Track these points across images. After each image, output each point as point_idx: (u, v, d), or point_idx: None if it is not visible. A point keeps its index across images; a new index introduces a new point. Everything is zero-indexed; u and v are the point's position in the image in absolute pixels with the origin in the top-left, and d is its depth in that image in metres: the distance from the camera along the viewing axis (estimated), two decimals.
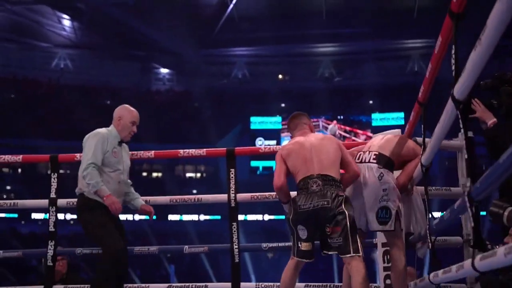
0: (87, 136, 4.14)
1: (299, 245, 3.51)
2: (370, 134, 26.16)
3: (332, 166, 3.55)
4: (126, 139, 4.27)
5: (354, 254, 3.41)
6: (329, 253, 3.49)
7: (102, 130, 4.16)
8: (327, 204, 3.42)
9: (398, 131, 4.20)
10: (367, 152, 3.75)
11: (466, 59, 1.79)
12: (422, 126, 3.09)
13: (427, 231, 3.18)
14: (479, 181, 1.89)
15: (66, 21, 28.71)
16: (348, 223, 3.41)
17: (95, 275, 3.93)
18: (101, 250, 4.04)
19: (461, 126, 1.98)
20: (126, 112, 4.25)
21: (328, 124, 28.58)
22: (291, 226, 3.56)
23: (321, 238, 3.52)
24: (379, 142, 3.83)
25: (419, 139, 4.02)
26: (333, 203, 3.42)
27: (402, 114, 27.19)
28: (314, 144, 3.63)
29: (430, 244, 3.11)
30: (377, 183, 3.60)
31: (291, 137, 3.89)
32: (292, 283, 3.64)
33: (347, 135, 28.38)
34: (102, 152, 4.03)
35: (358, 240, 3.45)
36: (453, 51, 1.96)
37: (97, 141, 4.04)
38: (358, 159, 3.73)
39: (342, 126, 28.91)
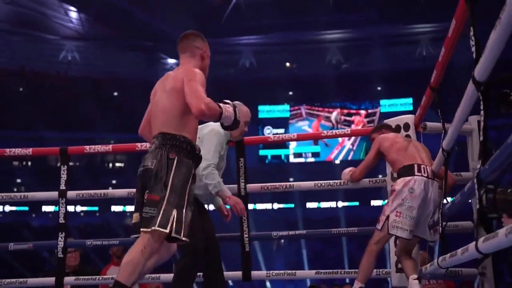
0: (208, 129, 3.85)
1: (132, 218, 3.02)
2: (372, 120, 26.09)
3: (174, 118, 2.97)
4: (237, 139, 4.16)
5: (153, 228, 2.78)
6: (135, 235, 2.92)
7: (219, 127, 3.43)
8: (150, 165, 2.88)
9: (411, 116, 4.19)
10: (425, 166, 3.78)
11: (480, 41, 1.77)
12: (439, 111, 3.05)
13: (440, 216, 3.16)
14: (487, 163, 1.88)
15: (73, 13, 28.72)
16: (169, 187, 2.82)
17: (176, 270, 3.79)
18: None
19: (481, 108, 1.94)
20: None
21: (330, 113, 28.48)
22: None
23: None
24: (425, 154, 3.89)
25: (430, 124, 4.01)
26: (158, 165, 2.86)
27: (410, 100, 27.08)
28: (159, 98, 3.11)
29: (440, 228, 3.09)
30: (438, 201, 3.70)
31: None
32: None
33: (350, 122, 28.28)
34: (219, 154, 3.87)
35: (173, 216, 2.80)
36: (471, 33, 1.92)
37: (217, 142, 3.82)
38: (419, 171, 3.74)
39: (346, 112, 28.78)
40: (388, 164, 4.08)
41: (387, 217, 3.73)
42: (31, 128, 24.87)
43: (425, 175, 3.72)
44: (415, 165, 3.75)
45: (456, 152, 3.05)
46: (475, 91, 2.00)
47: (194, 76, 3.01)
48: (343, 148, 27.80)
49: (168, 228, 2.75)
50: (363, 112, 28.62)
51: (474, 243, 1.95)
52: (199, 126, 3.45)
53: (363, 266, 3.78)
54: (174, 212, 2.78)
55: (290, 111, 28.84)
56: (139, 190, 2.94)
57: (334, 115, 28.35)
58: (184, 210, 2.83)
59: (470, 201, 2.97)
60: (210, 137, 3.84)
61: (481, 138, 1.97)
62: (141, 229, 2.81)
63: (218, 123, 3.07)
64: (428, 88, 3.20)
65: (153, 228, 2.75)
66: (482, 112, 1.93)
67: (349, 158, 27.48)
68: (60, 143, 4.65)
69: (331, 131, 4.52)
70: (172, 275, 3.84)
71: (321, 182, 4.35)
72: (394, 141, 3.91)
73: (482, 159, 1.98)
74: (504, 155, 1.68)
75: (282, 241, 21.64)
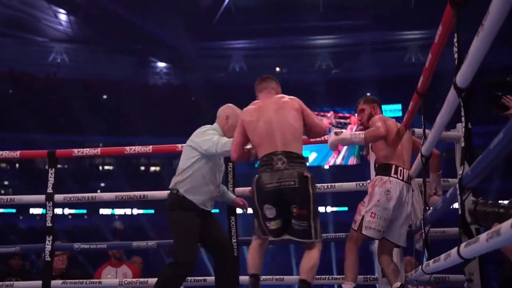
0: (202, 129, 3.94)
1: (268, 224, 3.36)
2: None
3: (295, 140, 3.42)
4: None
5: (314, 240, 3.35)
6: (288, 237, 3.37)
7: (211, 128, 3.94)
8: (293, 184, 3.30)
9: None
10: (403, 169, 3.80)
11: (464, 47, 1.78)
12: (422, 117, 3.07)
13: (421, 222, 3.18)
14: (470, 168, 1.90)
15: (62, 15, 28.64)
16: (312, 206, 3.33)
17: (159, 278, 3.81)
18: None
19: (462, 114, 1.96)
20: (234, 112, 4.00)
21: (323, 116, 28.49)
22: (256, 207, 3.40)
23: (286, 220, 3.36)
24: (407, 156, 3.91)
25: (417, 130, 4.02)
26: (300, 183, 3.31)
27: (399, 106, 27.15)
28: (275, 116, 3.46)
29: (424, 234, 3.11)
30: (415, 207, 3.79)
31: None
32: (261, 263, 3.56)
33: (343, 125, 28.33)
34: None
35: (319, 225, 3.36)
36: (455, 39, 1.94)
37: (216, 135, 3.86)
38: (395, 173, 3.77)
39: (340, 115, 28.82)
40: (374, 150, 4.01)
41: (362, 217, 3.76)
42: (20, 130, 24.73)
43: (401, 178, 3.74)
44: (393, 166, 3.77)
45: (444, 159, 3.07)
46: (456, 97, 2.01)
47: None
48: (330, 152, 27.82)
49: (318, 237, 3.36)
50: (352, 118, 28.67)
51: (456, 248, 1.96)
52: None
53: (348, 265, 3.78)
54: (318, 223, 3.35)
55: None
56: (277, 203, 3.32)
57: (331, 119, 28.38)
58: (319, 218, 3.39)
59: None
60: (205, 133, 3.89)
61: (463, 144, 1.99)
62: (302, 240, 3.36)
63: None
64: (415, 94, 3.21)
65: (314, 240, 3.35)
66: (463, 119, 1.95)
67: (337, 163, 27.56)
68: (49, 146, 4.63)
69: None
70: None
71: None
72: (393, 132, 3.83)
73: (464, 165, 2.00)
74: (486, 161, 1.70)
75: (271, 246, 21.60)
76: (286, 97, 3.59)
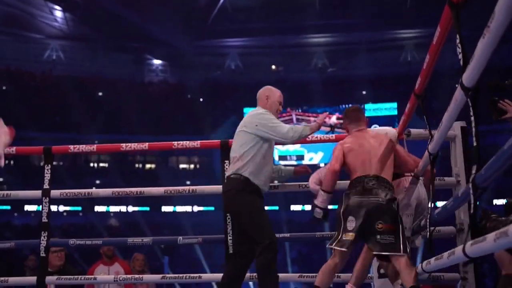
0: (257, 113, 4.12)
1: (343, 235, 3.52)
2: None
3: (387, 169, 3.67)
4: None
5: (403, 254, 3.45)
6: (376, 252, 3.50)
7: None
8: (381, 201, 3.50)
9: (394, 133, 4.09)
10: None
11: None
12: (425, 117, 3.08)
13: (427, 221, 3.19)
14: (484, 168, 1.90)
15: (58, 12, 28.56)
16: (400, 223, 3.50)
17: (260, 266, 3.83)
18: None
19: (471, 114, 1.97)
20: (272, 92, 4.26)
21: (316, 117, 28.50)
22: (340, 218, 3.58)
23: (367, 234, 3.51)
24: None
25: (414, 131, 4.01)
26: (387, 202, 3.50)
27: (395, 105, 27.23)
28: (373, 147, 3.72)
29: (428, 233, 3.12)
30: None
31: (346, 129, 3.95)
32: (329, 284, 3.70)
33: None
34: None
35: (407, 240, 3.53)
36: (457, 40, 1.95)
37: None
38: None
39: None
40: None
41: None
42: (16, 127, 24.61)
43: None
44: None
45: (439, 158, 3.07)
46: (463, 96, 2.02)
47: None
48: (326, 150, 27.88)
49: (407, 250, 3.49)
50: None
51: (461, 246, 1.97)
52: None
53: (356, 269, 3.84)
54: (406, 240, 3.50)
55: (280, 117, 28.82)
56: (361, 216, 3.49)
57: (333, 119, 28.38)
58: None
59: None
60: (264, 117, 4.08)
61: (475, 144, 1.99)
62: (389, 253, 3.47)
63: None
64: (412, 95, 3.22)
65: (402, 253, 3.44)
66: (472, 118, 1.96)
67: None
68: (44, 143, 4.62)
69: (315, 136, 4.50)
70: (153, 276, 3.83)
71: (305, 183, 4.36)
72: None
73: (477, 165, 2.00)
74: (500, 162, 1.71)
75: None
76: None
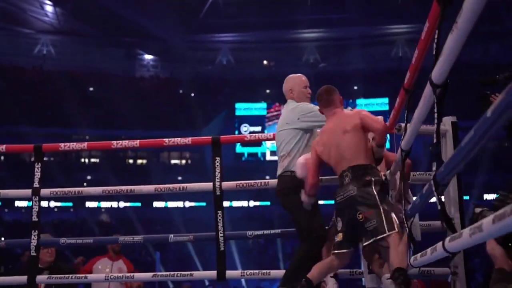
0: (294, 108, 4.11)
1: (336, 237, 3.50)
2: None
3: (358, 153, 3.54)
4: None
5: (390, 232, 3.27)
6: (368, 243, 3.37)
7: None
8: (353, 193, 3.42)
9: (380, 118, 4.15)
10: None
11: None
12: (406, 112, 3.09)
13: (403, 216, 3.21)
14: (443, 165, 1.92)
15: (49, 7, 28.40)
16: (382, 202, 3.36)
17: (302, 253, 3.86)
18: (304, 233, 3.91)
19: (435, 110, 1.98)
20: (293, 82, 4.26)
21: None
22: (334, 220, 3.60)
23: (358, 230, 3.42)
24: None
25: (403, 125, 4.02)
26: (360, 190, 3.40)
27: (386, 100, 27.28)
28: (341, 138, 3.58)
29: (407, 228, 3.13)
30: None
31: (321, 112, 3.84)
32: (321, 278, 3.69)
33: None
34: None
35: (393, 217, 3.32)
36: (435, 36, 1.95)
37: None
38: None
39: None
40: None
41: None
42: (7, 122, 24.54)
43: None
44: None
45: (429, 153, 3.08)
46: (432, 93, 2.03)
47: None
48: None
49: (393, 228, 3.31)
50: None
51: (441, 242, 1.98)
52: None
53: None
54: (390, 215, 3.34)
55: (270, 111, 28.82)
56: (343, 215, 3.47)
57: None
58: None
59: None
60: (304, 108, 4.12)
61: (435, 141, 2.01)
62: (377, 237, 3.32)
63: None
64: (402, 89, 3.22)
65: (389, 232, 3.29)
66: (436, 115, 1.97)
67: None
68: (35, 138, 4.61)
69: None
70: (144, 274, 3.82)
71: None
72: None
73: (437, 162, 2.02)
74: (458, 158, 1.72)
75: (258, 240, 21.64)
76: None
